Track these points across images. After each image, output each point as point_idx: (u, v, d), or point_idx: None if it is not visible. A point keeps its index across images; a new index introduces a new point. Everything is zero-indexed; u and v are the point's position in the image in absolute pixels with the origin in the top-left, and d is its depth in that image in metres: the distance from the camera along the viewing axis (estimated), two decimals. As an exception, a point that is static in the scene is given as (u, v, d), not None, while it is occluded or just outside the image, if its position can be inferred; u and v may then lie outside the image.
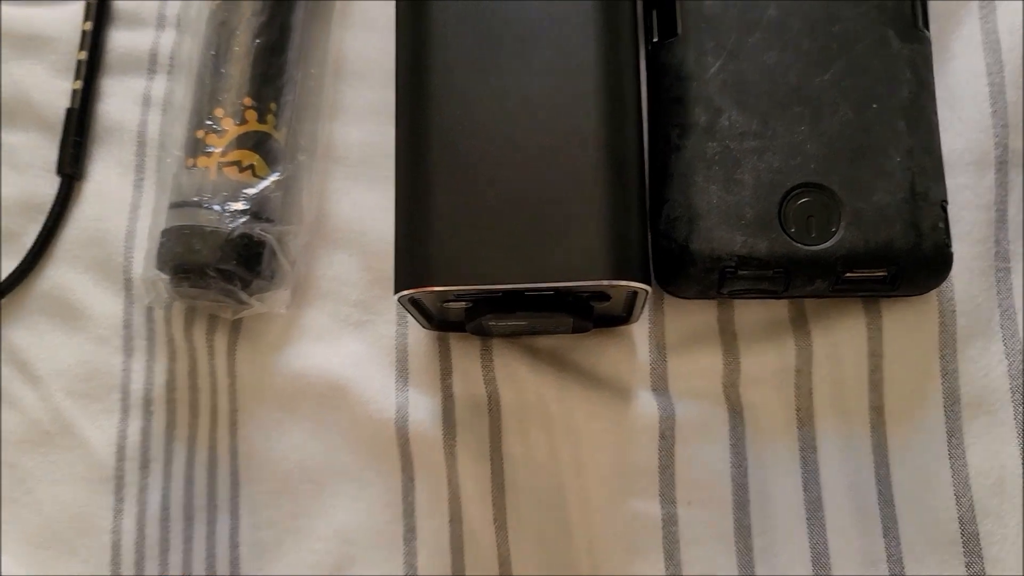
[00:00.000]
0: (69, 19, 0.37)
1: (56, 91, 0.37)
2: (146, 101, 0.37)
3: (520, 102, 0.28)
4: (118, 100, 0.37)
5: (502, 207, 0.27)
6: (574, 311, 0.29)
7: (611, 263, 0.27)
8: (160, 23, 0.37)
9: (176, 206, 0.32)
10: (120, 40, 0.37)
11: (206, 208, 0.31)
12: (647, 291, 0.28)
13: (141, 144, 0.36)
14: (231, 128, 0.32)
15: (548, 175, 0.27)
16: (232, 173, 0.32)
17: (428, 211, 0.27)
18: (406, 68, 0.29)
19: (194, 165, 0.32)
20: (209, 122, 0.32)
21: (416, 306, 0.29)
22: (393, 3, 0.31)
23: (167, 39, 0.37)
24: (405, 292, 0.27)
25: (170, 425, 0.34)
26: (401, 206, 0.28)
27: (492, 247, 0.27)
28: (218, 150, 0.32)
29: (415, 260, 0.27)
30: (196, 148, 0.32)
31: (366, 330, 0.34)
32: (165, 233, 0.32)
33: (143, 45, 0.37)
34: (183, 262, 0.31)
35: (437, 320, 0.32)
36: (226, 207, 0.31)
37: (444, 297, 0.28)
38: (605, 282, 0.27)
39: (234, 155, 0.32)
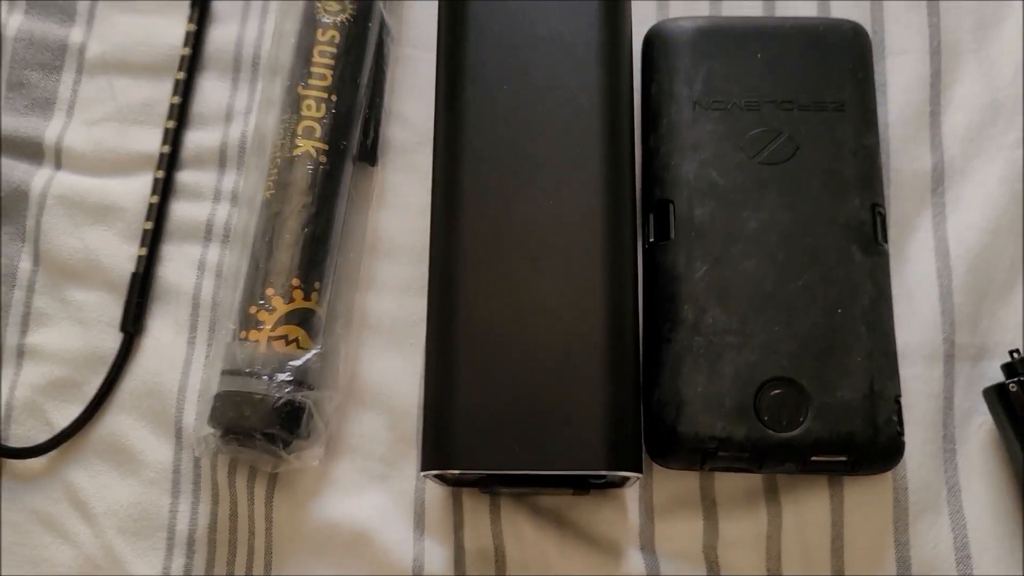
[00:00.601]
0: (138, 191, 0.42)
1: (123, 255, 0.42)
2: (201, 266, 0.41)
3: (535, 310, 0.33)
4: (176, 265, 0.42)
5: (515, 403, 0.32)
6: (573, 485, 0.34)
7: (607, 455, 0.31)
8: (216, 197, 0.42)
9: (229, 373, 0.36)
10: (181, 211, 0.42)
11: (256, 377, 0.36)
12: (638, 477, 0.32)
13: (195, 305, 0.41)
14: (280, 306, 0.37)
15: (557, 376, 0.32)
16: (279, 346, 0.36)
17: (452, 404, 0.32)
18: (437, 280, 0.34)
19: (246, 338, 0.36)
20: (261, 301, 0.37)
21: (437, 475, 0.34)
22: (429, 191, 0.36)
23: (222, 211, 0.42)
24: (430, 472, 0.32)
25: (209, 564, 0.38)
26: (430, 398, 0.33)
27: (505, 437, 0.32)
28: (268, 326, 0.36)
29: (440, 444, 0.32)
30: (249, 323, 0.36)
31: (389, 483, 0.38)
32: (218, 397, 0.36)
33: (201, 216, 0.42)
34: (234, 425, 0.35)
35: (453, 480, 0.36)
36: (273, 377, 0.36)
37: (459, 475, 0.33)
38: (603, 472, 0.31)
39: (282, 330, 0.36)
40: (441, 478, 0.35)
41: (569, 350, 0.32)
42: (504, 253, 0.34)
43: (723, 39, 0.39)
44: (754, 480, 0.37)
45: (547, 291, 0.33)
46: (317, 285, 0.38)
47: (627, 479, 0.34)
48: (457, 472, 0.32)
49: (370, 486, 0.38)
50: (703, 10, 0.43)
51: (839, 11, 0.42)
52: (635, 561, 0.36)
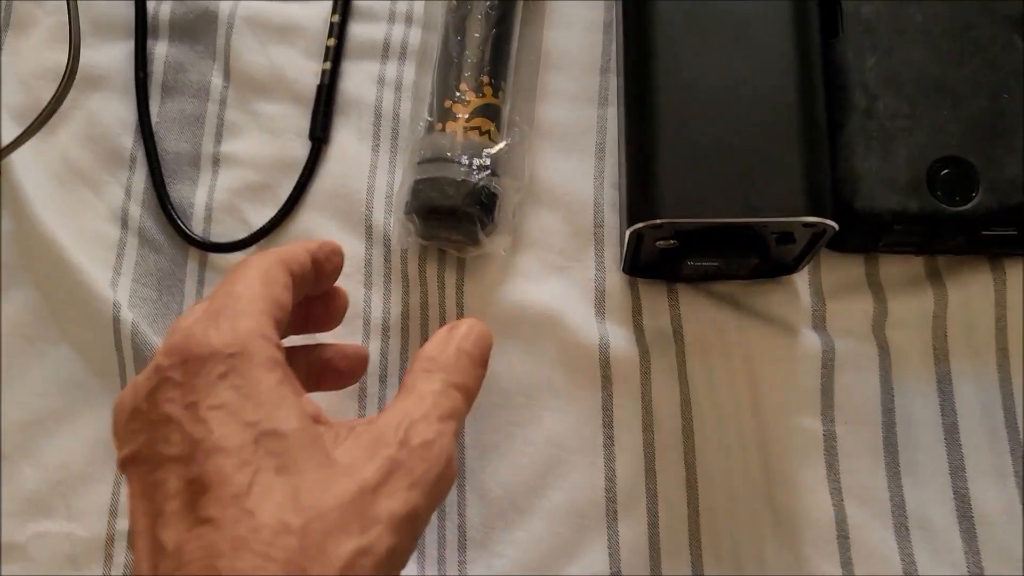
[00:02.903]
0: (318, 14, 0.45)
1: (306, 71, 0.44)
2: (380, 81, 0.44)
3: (734, 80, 0.35)
4: (357, 80, 0.44)
5: (718, 160, 0.34)
6: (760, 251, 0.36)
7: (808, 204, 0.33)
8: (391, 18, 0.45)
9: (427, 161, 0.38)
10: (358, 31, 0.45)
11: (455, 163, 0.38)
12: (835, 228, 0.34)
13: (377, 116, 0.43)
14: (473, 100, 0.39)
15: (757, 135, 0.34)
16: (474, 136, 0.38)
17: (655, 163, 0.34)
18: (634, 56, 0.36)
19: (443, 128, 0.39)
20: (457, 94, 0.39)
21: (636, 241, 0.36)
22: (593, 4, 0.38)
23: (397, 31, 0.45)
24: (638, 225, 0.34)
25: (404, 348, 0.41)
26: (631, 160, 0.35)
27: (709, 191, 0.34)
28: (463, 116, 0.39)
29: (645, 201, 0.34)
30: (445, 115, 0.39)
31: (568, 273, 0.40)
32: (419, 182, 0.38)
33: (377, 36, 0.45)
34: (437, 205, 0.37)
35: (631, 265, 0.38)
36: (472, 162, 0.38)
37: (659, 235, 0.35)
38: (805, 219, 0.33)
39: (476, 121, 0.39)
40: (633, 251, 0.37)
41: (766, 115, 0.34)
42: (701, 33, 0.36)
43: None
44: (916, 265, 0.39)
45: (746, 73, 0.35)
46: (503, 84, 0.40)
47: (802, 259, 0.36)
48: (664, 221, 0.34)
49: (551, 276, 0.40)
50: None
51: None
52: (810, 339, 0.38)
